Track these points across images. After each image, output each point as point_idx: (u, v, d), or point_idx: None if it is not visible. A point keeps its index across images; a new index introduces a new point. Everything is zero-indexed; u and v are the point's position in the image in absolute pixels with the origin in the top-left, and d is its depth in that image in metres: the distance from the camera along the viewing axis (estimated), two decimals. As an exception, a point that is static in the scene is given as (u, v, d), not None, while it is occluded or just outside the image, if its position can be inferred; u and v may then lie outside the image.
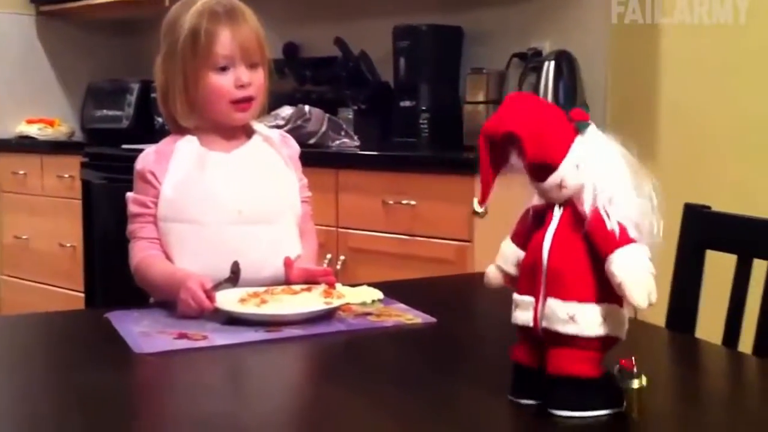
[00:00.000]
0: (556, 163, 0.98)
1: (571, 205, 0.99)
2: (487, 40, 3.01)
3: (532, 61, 2.87)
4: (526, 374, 1.02)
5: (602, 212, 0.96)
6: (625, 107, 2.74)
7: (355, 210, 2.65)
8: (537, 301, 0.99)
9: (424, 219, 2.49)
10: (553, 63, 2.78)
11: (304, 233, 1.62)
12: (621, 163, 0.98)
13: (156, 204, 1.52)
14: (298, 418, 1.10)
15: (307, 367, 1.34)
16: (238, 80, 1.50)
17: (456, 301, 1.64)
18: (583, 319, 0.96)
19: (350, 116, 3.09)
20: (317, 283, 1.50)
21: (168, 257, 1.52)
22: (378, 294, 1.53)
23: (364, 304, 1.49)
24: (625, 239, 0.95)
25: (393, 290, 1.56)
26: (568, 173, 0.98)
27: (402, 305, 1.49)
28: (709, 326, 1.47)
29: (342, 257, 2.64)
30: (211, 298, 1.39)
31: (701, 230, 1.49)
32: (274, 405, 1.12)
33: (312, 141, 2.82)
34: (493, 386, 1.07)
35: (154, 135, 3.37)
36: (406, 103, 2.98)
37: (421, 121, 2.94)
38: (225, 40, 1.48)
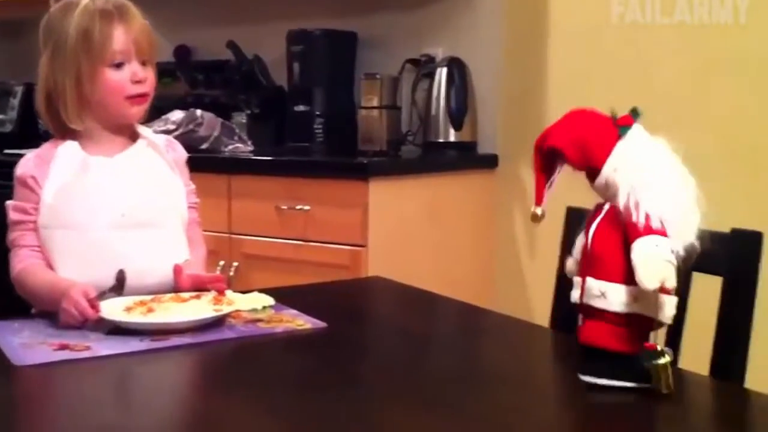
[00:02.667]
0: (599, 167, 1.13)
1: (616, 200, 1.12)
2: (381, 46, 3.03)
3: (425, 67, 2.91)
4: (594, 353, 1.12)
5: (632, 206, 1.08)
6: (516, 114, 2.81)
7: (249, 216, 2.62)
8: (582, 281, 1.13)
9: (318, 224, 2.49)
10: (445, 69, 2.83)
11: (192, 239, 1.60)
12: (656, 162, 1.11)
13: (37, 211, 1.48)
14: (186, 428, 1.08)
15: (195, 376, 1.32)
16: (134, 75, 1.51)
17: (347, 306, 1.65)
18: (612, 295, 1.09)
19: (244, 121, 3.06)
20: (207, 290, 1.48)
21: (50, 266, 1.47)
22: (269, 300, 1.52)
23: (254, 310, 1.48)
24: (648, 230, 1.07)
25: (285, 296, 1.55)
26: (609, 175, 1.12)
27: (293, 311, 1.48)
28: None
29: (235, 264, 2.61)
30: (94, 307, 1.35)
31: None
32: (160, 416, 1.10)
33: (204, 146, 2.78)
34: (380, 389, 1.07)
35: (38, 139, 3.25)
36: (301, 108, 2.96)
37: (315, 126, 2.93)
38: (120, 37, 1.49)
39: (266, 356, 1.31)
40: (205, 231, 1.68)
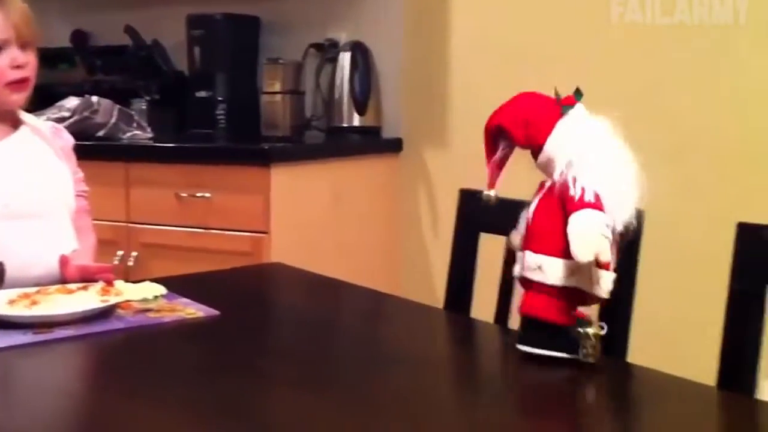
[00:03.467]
0: (541, 145, 1.15)
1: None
2: (284, 30, 3.00)
3: (328, 51, 2.89)
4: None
5: (569, 180, 1.11)
6: (418, 98, 2.82)
7: (148, 204, 2.56)
8: (523, 255, 1.17)
9: (219, 212, 2.45)
10: (348, 54, 2.81)
11: (80, 229, 1.56)
12: (594, 139, 1.13)
13: None
14: (73, 423, 1.05)
15: (82, 370, 1.29)
16: (14, 61, 1.47)
17: (244, 293, 1.63)
18: (548, 269, 1.12)
19: (144, 107, 2.98)
20: (95, 280, 1.44)
21: None
22: (160, 289, 1.49)
23: (145, 300, 1.45)
24: (582, 204, 1.09)
25: (179, 285, 1.52)
26: (551, 151, 1.14)
27: (185, 300, 1.45)
28: (485, 306, 1.53)
29: (134, 253, 2.55)
30: (-26, 302, 1.30)
31: (475, 214, 1.55)
32: (45, 411, 1.06)
33: (101, 133, 2.70)
34: (271, 375, 1.06)
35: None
36: (202, 94, 2.91)
37: (217, 112, 2.88)
38: (2, 22, 1.45)
39: (155, 347, 1.28)
40: (102, 220, 1.64)
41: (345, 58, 2.81)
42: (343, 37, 2.89)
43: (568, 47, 2.47)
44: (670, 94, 2.28)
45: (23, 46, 1.48)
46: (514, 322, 1.40)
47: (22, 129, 1.52)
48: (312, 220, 2.53)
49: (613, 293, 1.12)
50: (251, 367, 1.18)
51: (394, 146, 2.82)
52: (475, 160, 2.63)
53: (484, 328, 1.40)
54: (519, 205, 1.50)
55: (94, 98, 2.74)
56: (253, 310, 1.53)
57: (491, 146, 1.19)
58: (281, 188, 2.42)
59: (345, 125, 2.82)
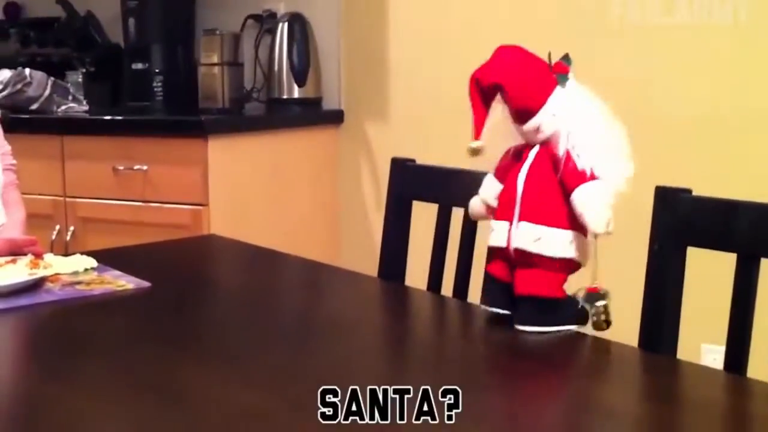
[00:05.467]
0: (535, 110, 1.13)
1: (545, 146, 1.14)
2: (221, 2, 2.97)
3: (266, 22, 2.87)
4: (500, 287, 1.16)
5: (573, 154, 1.11)
6: (359, 69, 2.82)
7: (84, 178, 2.53)
8: (511, 225, 1.14)
9: (156, 184, 2.43)
10: (286, 25, 2.80)
11: (8, 203, 1.54)
12: (593, 113, 1.14)
13: None
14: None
15: (9, 344, 1.27)
16: None
17: (177, 265, 1.62)
18: (549, 240, 1.12)
19: (79, 80, 2.93)
20: (23, 254, 1.43)
21: None
22: (91, 262, 1.48)
23: (75, 273, 1.44)
24: (589, 176, 1.11)
25: (111, 258, 1.51)
26: (546, 119, 1.13)
27: (116, 272, 1.45)
28: (418, 272, 1.55)
29: (71, 228, 2.52)
30: None
31: (406, 183, 1.57)
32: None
33: (34, 106, 2.66)
34: (195, 347, 1.06)
35: None
36: (138, 66, 2.87)
37: (154, 84, 2.85)
38: None
39: (83, 319, 1.28)
40: (38, 195, 1.63)
41: (283, 29, 2.79)
42: (281, 8, 2.87)
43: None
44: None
45: None
46: (474, 294, 1.39)
47: None
48: (251, 192, 2.52)
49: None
50: (178, 340, 1.18)
51: (335, 117, 2.82)
52: (414, 130, 2.68)
53: (419, 295, 1.42)
54: (448, 173, 1.53)
55: (27, 70, 2.69)
56: (186, 282, 1.52)
57: (480, 98, 1.14)
58: (219, 160, 2.40)
59: (285, 97, 2.81)
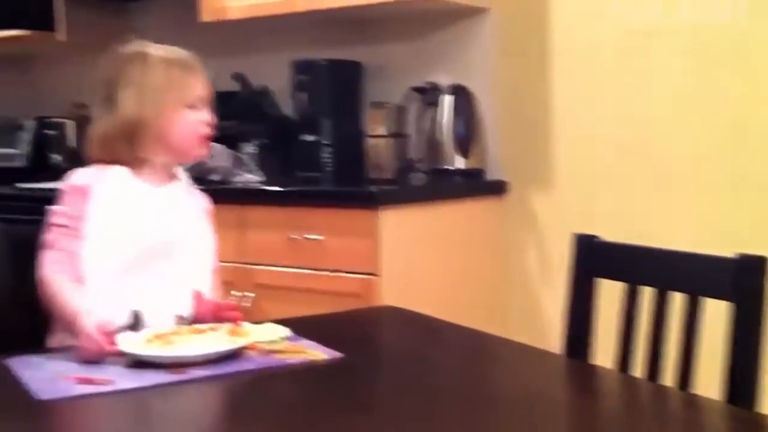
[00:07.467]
0: None
1: None
2: (385, 74, 3.07)
3: (430, 94, 2.94)
4: None
5: None
6: (523, 139, 2.83)
7: (261, 246, 2.65)
8: None
9: (330, 253, 2.51)
10: (450, 97, 2.86)
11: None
12: None
13: (81, 220, 1.57)
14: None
15: (214, 409, 1.34)
16: (207, 119, 1.66)
17: (363, 335, 1.66)
18: None
19: (254, 151, 3.09)
20: (225, 318, 1.52)
21: (78, 274, 1.55)
22: (285, 331, 1.54)
23: (271, 342, 1.50)
24: None
25: (299, 326, 1.57)
26: None
27: (308, 341, 1.50)
28: (604, 352, 1.53)
29: (249, 294, 2.63)
30: (112, 343, 1.39)
31: (590, 259, 1.56)
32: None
33: (216, 177, 2.81)
34: (396, 415, 1.08)
35: (50, 172, 3.29)
36: (309, 138, 2.99)
37: (324, 155, 2.96)
38: (201, 84, 1.65)
39: (282, 388, 1.33)
40: (219, 262, 1.74)
41: (447, 101, 2.86)
42: (444, 80, 2.94)
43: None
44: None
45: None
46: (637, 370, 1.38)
47: (178, 183, 1.69)
48: (419, 261, 2.56)
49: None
50: (373, 408, 1.21)
51: (498, 188, 2.84)
52: (579, 201, 2.66)
53: (607, 375, 1.40)
54: (636, 250, 1.51)
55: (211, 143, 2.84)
56: (372, 352, 1.56)
57: None
58: (389, 230, 2.46)
59: (448, 167, 2.86)
